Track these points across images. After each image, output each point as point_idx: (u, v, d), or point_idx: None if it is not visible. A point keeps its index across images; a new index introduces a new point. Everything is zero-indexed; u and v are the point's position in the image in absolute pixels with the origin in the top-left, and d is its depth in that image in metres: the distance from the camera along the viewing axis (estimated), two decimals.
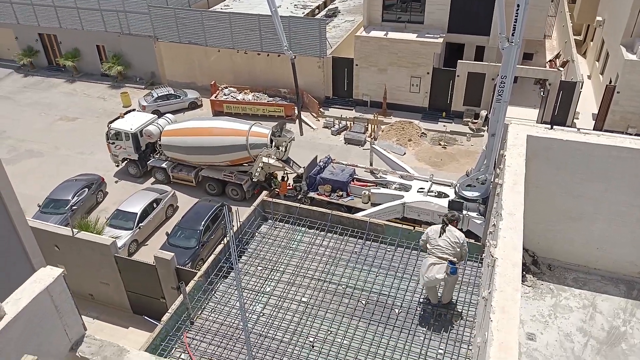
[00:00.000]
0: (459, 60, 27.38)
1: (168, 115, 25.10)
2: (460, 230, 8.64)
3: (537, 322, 7.38)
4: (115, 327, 15.93)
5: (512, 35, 14.74)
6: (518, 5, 14.33)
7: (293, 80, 25.71)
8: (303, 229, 10.97)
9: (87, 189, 21.92)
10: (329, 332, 8.49)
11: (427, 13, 28.30)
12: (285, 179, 22.17)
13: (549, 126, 7.44)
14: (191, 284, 9.33)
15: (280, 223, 11.19)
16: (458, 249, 8.21)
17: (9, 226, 10.23)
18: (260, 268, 10.00)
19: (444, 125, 27.70)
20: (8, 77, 35.39)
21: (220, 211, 19.66)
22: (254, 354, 8.11)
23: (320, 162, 21.30)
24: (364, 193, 19.96)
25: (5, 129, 28.78)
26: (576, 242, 7.95)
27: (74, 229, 15.55)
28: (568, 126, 24.19)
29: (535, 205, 7.37)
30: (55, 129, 29.09)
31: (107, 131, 23.62)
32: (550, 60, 30.22)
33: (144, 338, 8.41)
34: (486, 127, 24.60)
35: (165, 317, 8.61)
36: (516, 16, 14.45)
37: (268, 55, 30.13)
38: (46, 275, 5.42)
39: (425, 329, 8.48)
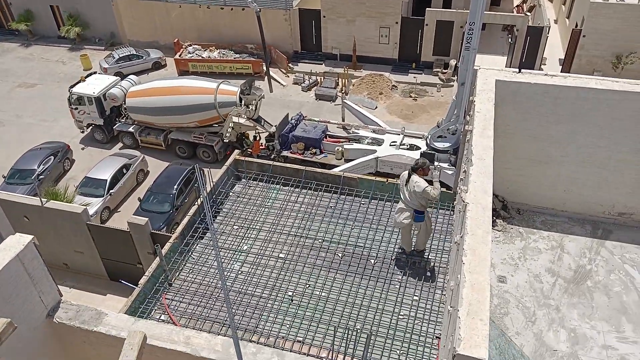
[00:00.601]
0: (427, 8, 27.00)
1: (131, 76, 24.22)
2: (429, 181, 8.49)
3: (507, 264, 7.63)
4: (93, 295, 15.84)
5: None
6: None
7: (259, 35, 25.01)
8: (277, 186, 10.93)
9: (53, 157, 21.29)
10: (307, 286, 8.62)
11: None
12: (257, 138, 21.91)
13: (517, 70, 7.43)
14: (167, 246, 9.27)
15: (254, 182, 11.12)
16: (421, 201, 8.22)
17: None
18: (237, 227, 9.98)
19: (414, 77, 27.59)
20: None
21: (192, 174, 19.41)
22: (233, 310, 8.19)
23: (292, 119, 21.06)
24: (337, 149, 19.93)
25: None
26: (544, 185, 8.15)
27: (42, 199, 15.17)
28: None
29: (504, 150, 7.47)
30: (15, 97, 27.87)
31: (69, 96, 22.76)
32: (517, 6, 30.10)
33: (123, 304, 8.38)
34: (456, 77, 24.57)
35: (142, 280, 8.57)
36: None
37: (232, 9, 29.11)
38: (15, 242, 5.26)
39: (400, 277, 8.69)
